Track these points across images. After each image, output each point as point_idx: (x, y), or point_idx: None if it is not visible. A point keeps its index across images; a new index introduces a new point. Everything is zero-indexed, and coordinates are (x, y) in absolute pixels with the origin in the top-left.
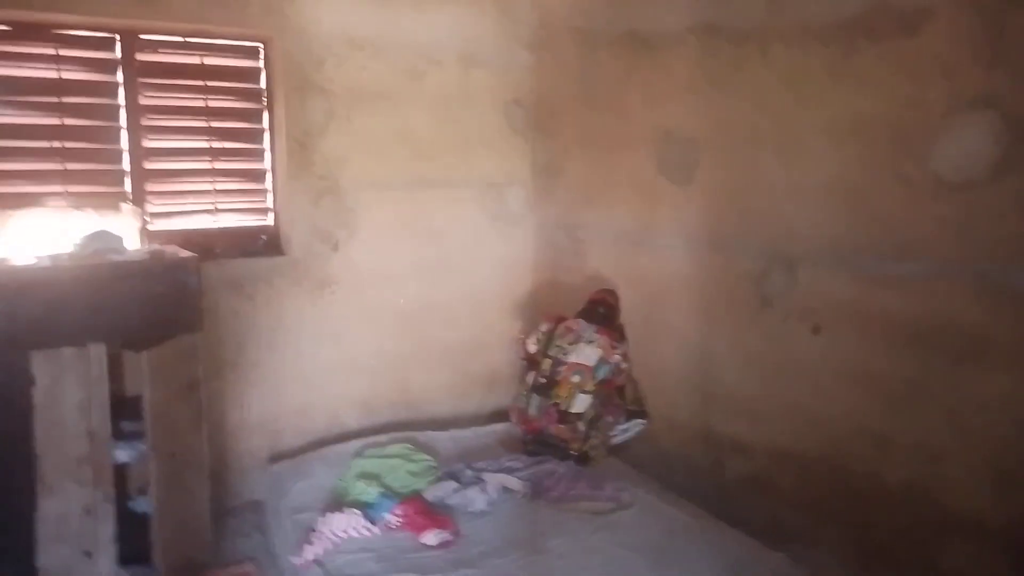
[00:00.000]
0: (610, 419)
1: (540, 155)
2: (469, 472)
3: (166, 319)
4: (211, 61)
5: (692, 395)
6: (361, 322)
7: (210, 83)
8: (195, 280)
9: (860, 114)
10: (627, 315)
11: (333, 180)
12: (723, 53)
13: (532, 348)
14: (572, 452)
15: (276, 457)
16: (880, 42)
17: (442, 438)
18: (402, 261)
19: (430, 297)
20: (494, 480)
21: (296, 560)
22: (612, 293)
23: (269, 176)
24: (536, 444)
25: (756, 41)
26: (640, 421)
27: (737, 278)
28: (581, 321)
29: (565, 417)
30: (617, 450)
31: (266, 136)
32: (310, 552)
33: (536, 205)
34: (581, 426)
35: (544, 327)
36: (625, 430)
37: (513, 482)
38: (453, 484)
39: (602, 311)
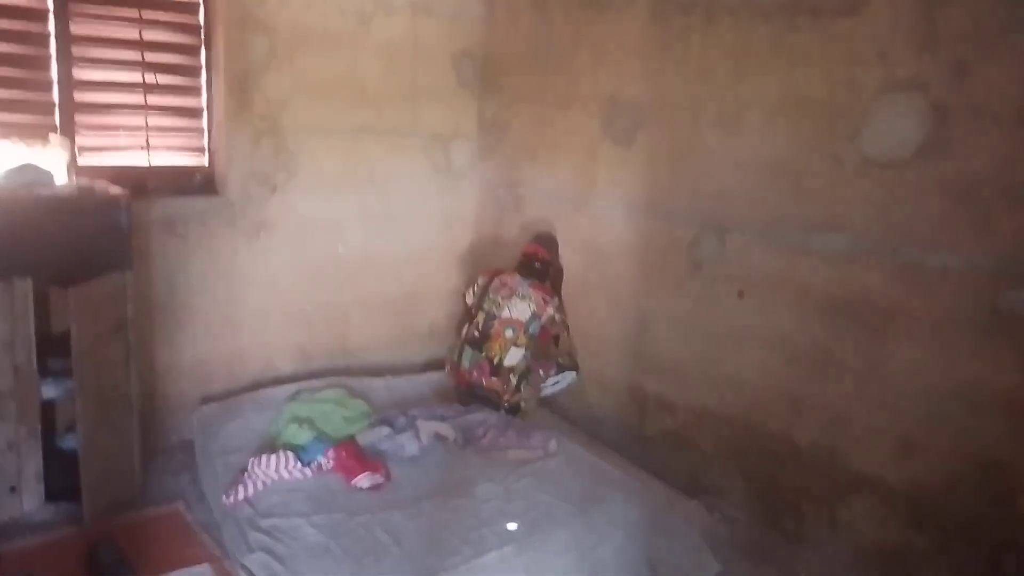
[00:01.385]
0: (541, 372)
1: (487, 109)
2: (402, 419)
3: (94, 256)
4: None
5: (623, 353)
6: (298, 268)
7: (146, 14)
8: (125, 217)
9: (797, 90)
10: (565, 274)
11: (273, 121)
12: (672, 21)
13: (469, 300)
14: (503, 404)
15: (207, 399)
16: (820, 19)
17: (377, 385)
18: (343, 209)
19: (371, 246)
20: (426, 427)
21: (226, 499)
22: (547, 241)
23: (205, 114)
24: (468, 396)
25: (703, 10)
26: (571, 373)
27: (671, 242)
28: (517, 276)
29: (497, 370)
30: (547, 403)
31: (203, 73)
32: (241, 491)
33: (481, 160)
34: (512, 379)
35: (480, 281)
36: (556, 382)
37: (445, 429)
38: (386, 430)
39: (538, 266)
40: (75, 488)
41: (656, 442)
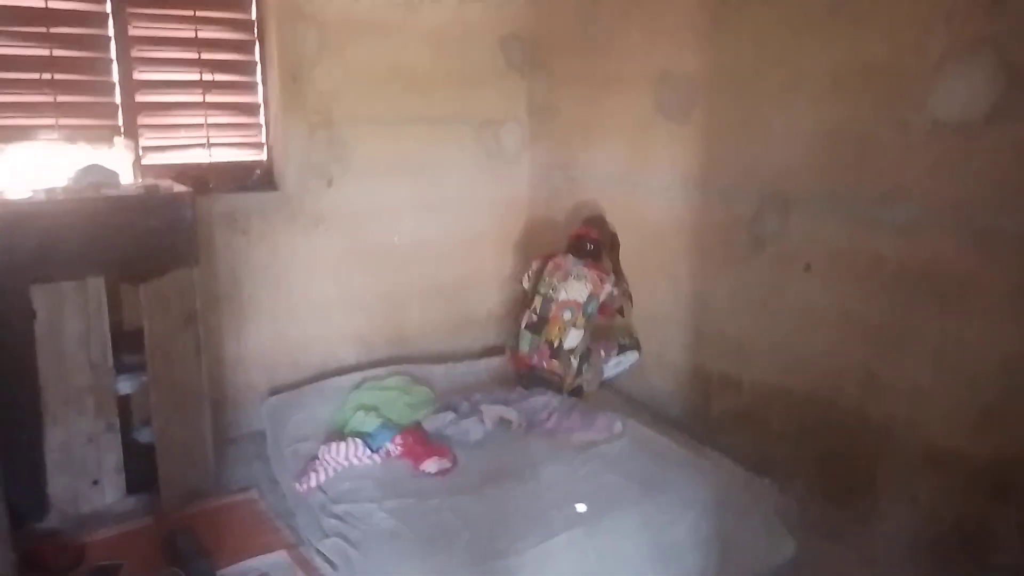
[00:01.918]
0: (602, 353)
1: (537, 93)
2: (466, 404)
3: (162, 252)
4: None
5: (684, 333)
6: (356, 258)
7: (200, 13)
8: (190, 214)
9: (859, 56)
10: (623, 254)
11: (327, 114)
12: None
13: (525, 285)
14: (566, 387)
15: (275, 390)
16: None
17: (437, 372)
18: (397, 198)
19: (425, 234)
20: (490, 411)
21: (299, 486)
22: (598, 222)
23: (262, 110)
24: (530, 380)
25: None
26: (633, 353)
27: (731, 219)
28: (570, 257)
29: (557, 353)
30: (610, 385)
31: (258, 68)
32: (312, 479)
33: (532, 143)
34: (573, 361)
35: (535, 265)
36: (618, 363)
37: (509, 413)
38: (450, 415)
39: (590, 246)
40: (153, 479)
41: (722, 422)
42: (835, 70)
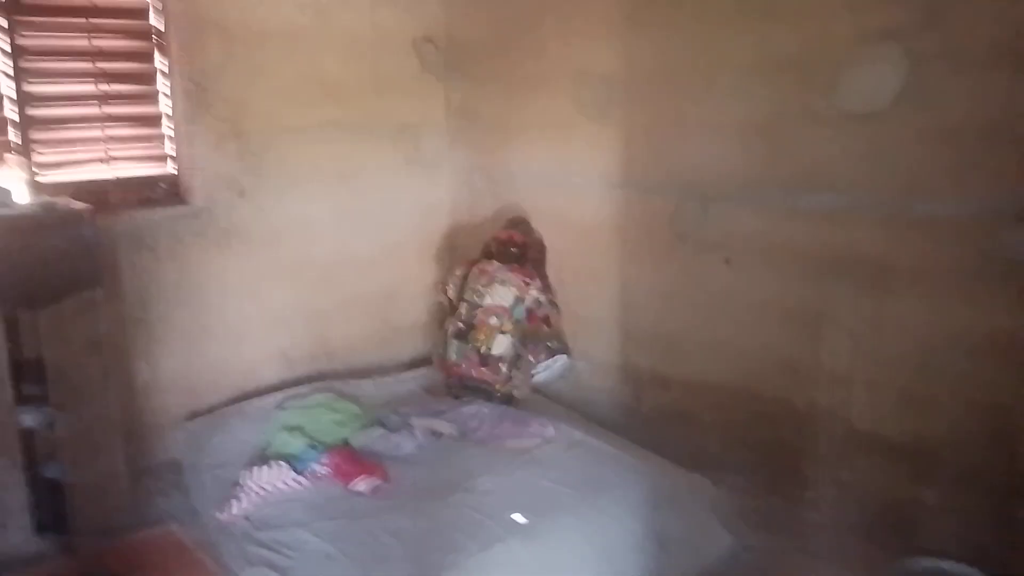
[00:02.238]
0: (531, 358)
1: (454, 95)
2: (395, 417)
3: (62, 275)
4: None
5: (612, 331)
6: (274, 273)
7: (95, 21)
8: (91, 233)
9: (768, 49)
10: (548, 256)
11: (236, 123)
12: None
13: (450, 293)
14: (497, 394)
15: (192, 414)
16: None
17: (365, 386)
18: (316, 208)
19: (346, 245)
20: (421, 424)
21: (221, 515)
22: (520, 225)
23: (165, 120)
24: (460, 389)
25: None
26: (562, 357)
27: (652, 214)
28: (494, 262)
29: (486, 360)
30: (541, 389)
31: (160, 77)
32: (235, 506)
33: (452, 147)
34: (503, 367)
35: (459, 272)
36: (547, 367)
37: (440, 425)
38: (379, 430)
39: (514, 250)
40: (64, 517)
41: (654, 419)
42: (746, 64)
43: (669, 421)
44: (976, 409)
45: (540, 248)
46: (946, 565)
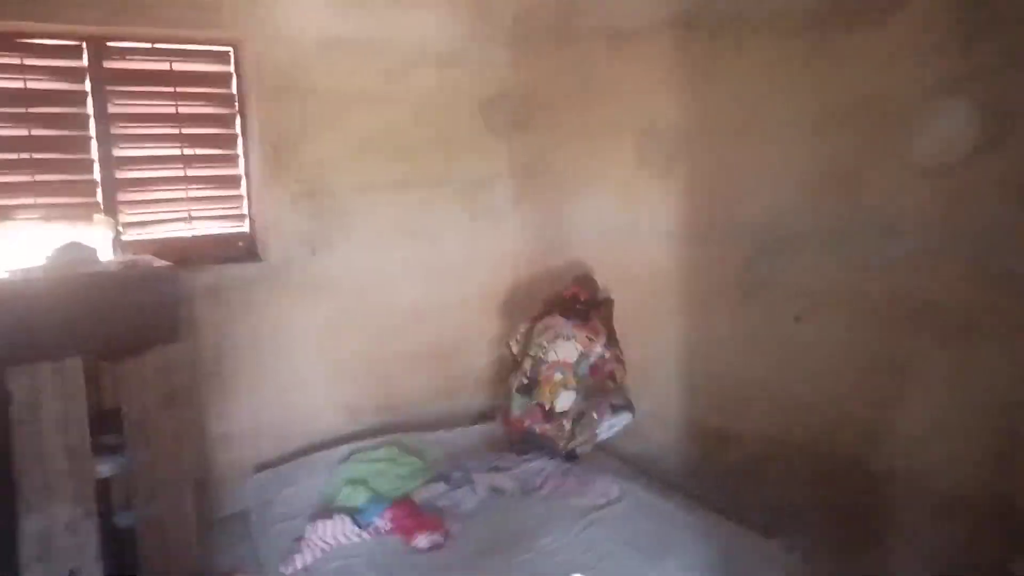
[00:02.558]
0: (595, 415)
1: (521, 151)
2: (458, 473)
3: (143, 330)
4: (180, 66)
5: (680, 387)
6: (343, 326)
7: (180, 89)
8: (172, 289)
9: (840, 97)
10: (616, 308)
11: (311, 183)
12: (699, 45)
13: (513, 348)
14: (560, 450)
15: (261, 466)
16: (853, 29)
17: (429, 440)
18: (384, 263)
19: (414, 298)
20: (483, 480)
21: (284, 569)
22: (585, 282)
23: (244, 181)
24: (524, 444)
25: (731, 33)
26: (627, 415)
27: (721, 267)
28: (559, 318)
29: (550, 416)
30: (605, 446)
31: (240, 141)
32: (299, 560)
33: (517, 202)
34: (566, 424)
35: (523, 327)
36: (612, 425)
37: (502, 481)
38: (442, 485)
39: (579, 307)
40: (135, 566)
41: (722, 477)
42: (817, 112)
43: (738, 480)
44: None
45: (608, 304)
46: None
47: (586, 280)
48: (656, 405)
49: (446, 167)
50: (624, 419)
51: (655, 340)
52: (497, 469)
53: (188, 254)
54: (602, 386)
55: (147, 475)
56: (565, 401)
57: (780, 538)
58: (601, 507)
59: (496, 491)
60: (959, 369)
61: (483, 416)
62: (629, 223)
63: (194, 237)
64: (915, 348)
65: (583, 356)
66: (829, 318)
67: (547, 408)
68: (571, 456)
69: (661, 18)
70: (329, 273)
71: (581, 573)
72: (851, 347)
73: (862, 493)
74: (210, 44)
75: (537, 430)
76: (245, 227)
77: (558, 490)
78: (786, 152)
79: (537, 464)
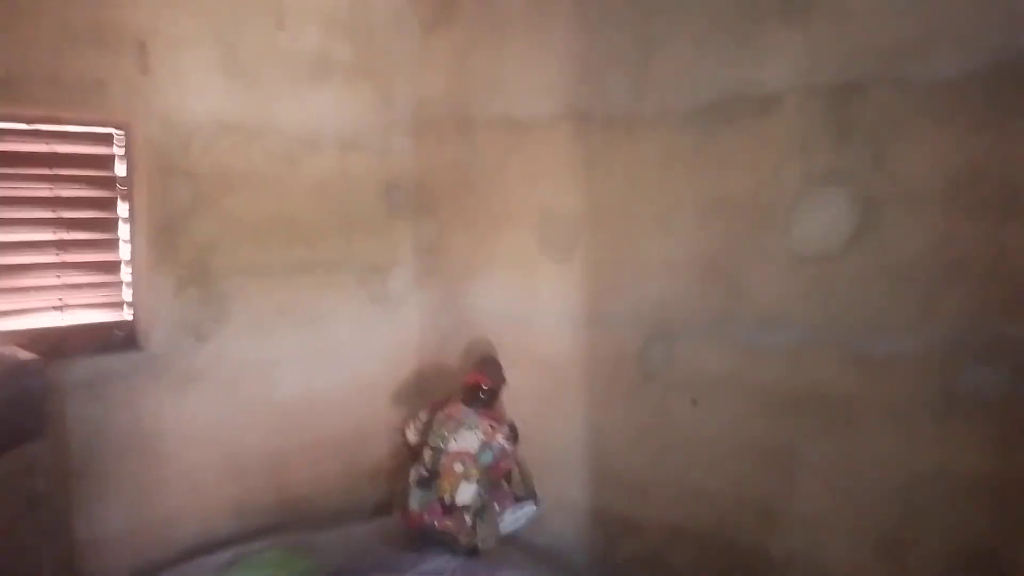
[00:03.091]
0: (497, 507)
1: (422, 236)
2: None
3: (4, 429)
4: (61, 148)
5: (582, 474)
6: (233, 418)
7: (59, 171)
8: (38, 383)
9: (724, 190)
10: (514, 395)
11: (200, 268)
12: (595, 136)
13: (412, 439)
14: (461, 546)
15: (138, 573)
16: (736, 123)
17: (323, 539)
18: (278, 350)
19: (310, 387)
20: None
21: None
22: (488, 367)
23: (125, 267)
24: (422, 540)
25: (624, 124)
26: (530, 507)
27: (619, 353)
28: (462, 406)
29: (450, 510)
30: (509, 539)
31: (121, 225)
32: None
33: (419, 287)
34: (468, 518)
35: (423, 415)
36: (516, 519)
37: None
38: None
39: (482, 395)
40: None
41: (628, 567)
42: (704, 204)
43: (644, 570)
44: (961, 554)
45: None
46: None
47: (488, 365)
48: (560, 491)
49: (346, 251)
50: (528, 511)
51: (557, 426)
52: (397, 570)
53: (60, 344)
54: (497, 484)
55: None
56: (465, 494)
57: None
58: None
59: None
60: (845, 454)
61: (385, 508)
62: (530, 308)
63: (68, 326)
64: (803, 433)
65: (485, 445)
66: (722, 404)
67: (447, 502)
68: (473, 551)
69: (558, 111)
70: (216, 362)
71: None
72: (746, 433)
73: None
74: (97, 126)
75: (436, 525)
76: (125, 314)
77: None
78: (675, 241)
79: (437, 563)
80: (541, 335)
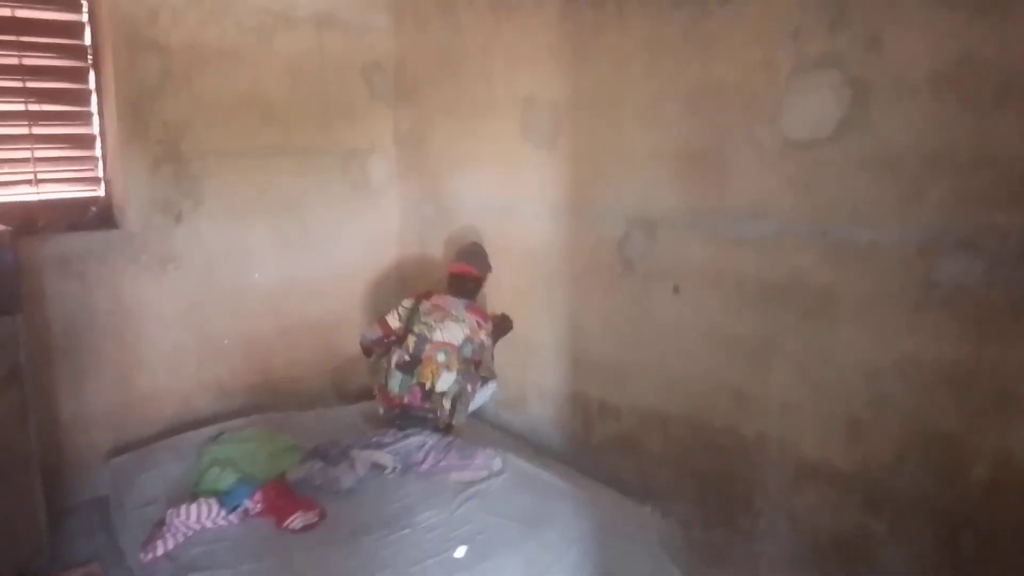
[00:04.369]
0: (470, 389)
1: (402, 122)
2: (335, 450)
3: None
4: (25, 13)
5: (562, 361)
6: (212, 300)
7: (25, 38)
8: (10, 256)
9: (713, 77)
10: (497, 284)
11: (173, 146)
12: (583, 17)
13: (394, 324)
14: (439, 422)
15: (120, 449)
16: (728, 5)
17: (306, 418)
18: (256, 234)
19: (290, 273)
20: (362, 456)
21: (144, 556)
22: (475, 257)
23: (99, 142)
24: (403, 419)
25: (614, 4)
26: (492, 385)
27: (600, 242)
28: (450, 298)
29: (429, 396)
30: (486, 418)
31: (93, 98)
32: (159, 547)
33: (400, 175)
34: (446, 403)
35: (407, 302)
36: (483, 395)
37: (382, 457)
38: (318, 463)
39: (471, 285)
40: None
41: (603, 449)
42: (691, 91)
43: (619, 451)
44: (923, 437)
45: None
46: None
47: (474, 255)
48: (540, 379)
49: (323, 136)
50: (491, 388)
51: (537, 313)
52: (377, 445)
53: (35, 220)
54: (472, 373)
55: None
56: (445, 383)
57: (655, 505)
58: (482, 480)
59: (376, 468)
60: (825, 341)
61: (365, 394)
62: (512, 198)
63: (41, 201)
64: (784, 321)
65: (468, 340)
66: (701, 294)
67: (427, 388)
68: (448, 428)
69: None
70: (194, 244)
71: (461, 548)
72: (724, 321)
73: (735, 460)
74: None
75: (415, 405)
76: (100, 191)
77: (439, 465)
78: (660, 129)
79: (418, 439)
80: (523, 225)
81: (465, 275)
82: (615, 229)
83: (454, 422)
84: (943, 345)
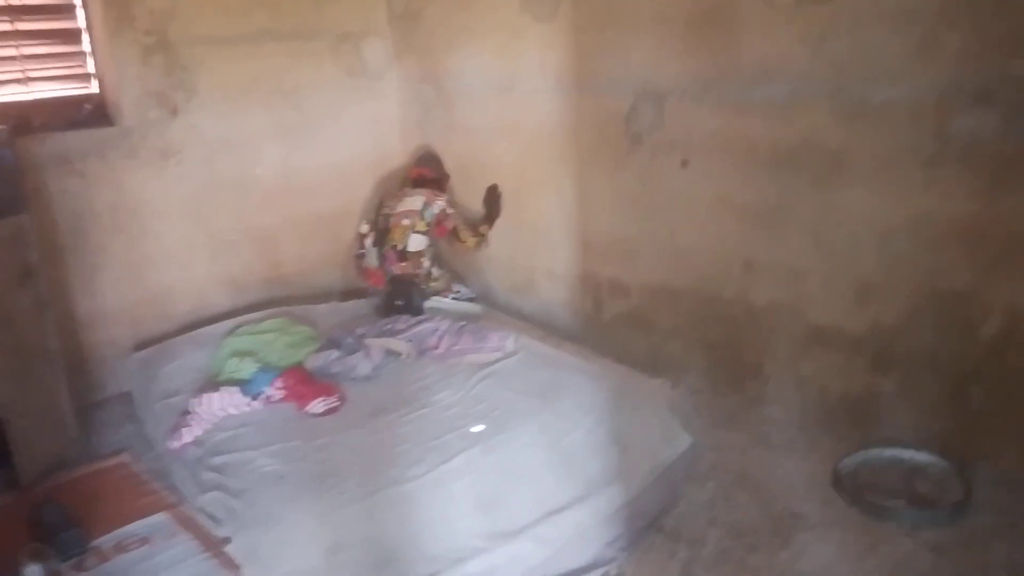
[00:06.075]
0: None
1: (396, 1)
2: (350, 339)
3: None
4: None
5: (570, 241)
6: (216, 194)
7: None
8: (9, 155)
9: None
10: (500, 166)
11: (161, 35)
12: None
13: (364, 229)
14: (425, 287)
15: (141, 344)
16: None
17: (320, 311)
18: (254, 125)
19: (292, 164)
20: (376, 344)
21: (172, 443)
22: (429, 160)
23: (86, 35)
24: (395, 290)
25: None
26: (474, 305)
27: (607, 117)
28: (407, 189)
29: (404, 256)
30: (495, 304)
31: None
32: (187, 434)
33: (397, 57)
34: (425, 262)
35: (373, 212)
36: (458, 297)
37: (397, 344)
38: (335, 352)
39: (429, 186)
40: (7, 452)
41: (614, 327)
42: None
43: (629, 328)
44: (933, 296)
45: (445, 177)
46: (906, 454)
47: (429, 159)
48: (549, 262)
49: (315, 18)
50: (467, 306)
51: (544, 195)
52: (391, 332)
53: (28, 119)
54: (448, 246)
55: (8, 357)
56: (416, 243)
57: (665, 377)
58: (496, 361)
59: (391, 355)
60: (836, 204)
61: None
62: (513, 75)
63: (34, 100)
64: (795, 187)
65: (427, 204)
66: (711, 164)
67: (399, 249)
68: (435, 292)
69: None
70: (191, 137)
71: (477, 423)
72: (734, 190)
73: (744, 329)
74: None
75: (395, 271)
76: (92, 88)
77: (453, 348)
78: None
79: (431, 324)
80: (526, 103)
81: (421, 176)
82: (622, 102)
83: (436, 286)
84: (957, 200)
